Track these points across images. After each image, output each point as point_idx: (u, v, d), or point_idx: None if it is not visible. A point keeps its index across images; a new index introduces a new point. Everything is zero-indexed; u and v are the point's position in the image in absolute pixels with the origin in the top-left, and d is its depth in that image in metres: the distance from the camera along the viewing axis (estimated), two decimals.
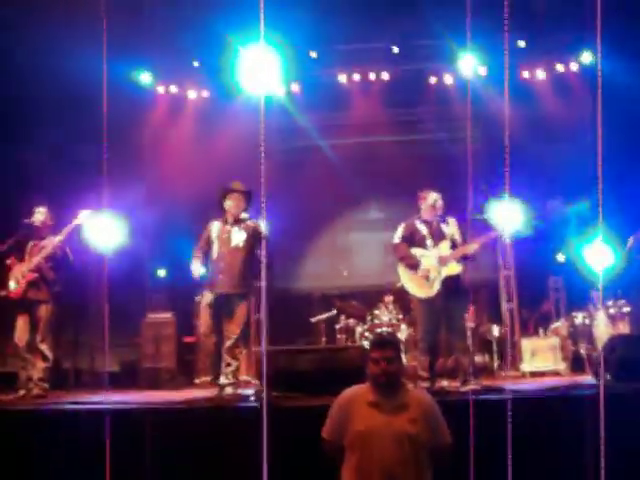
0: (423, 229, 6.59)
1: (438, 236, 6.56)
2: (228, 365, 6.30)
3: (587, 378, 7.00)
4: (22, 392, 6.69)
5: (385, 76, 10.99)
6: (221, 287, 6.39)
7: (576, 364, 8.42)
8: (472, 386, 6.06)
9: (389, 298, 9.39)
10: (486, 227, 6.59)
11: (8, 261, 6.93)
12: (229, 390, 6.25)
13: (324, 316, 9.66)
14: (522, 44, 10.25)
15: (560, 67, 10.64)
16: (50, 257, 6.85)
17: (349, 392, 3.79)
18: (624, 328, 7.82)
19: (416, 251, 6.54)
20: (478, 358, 8.75)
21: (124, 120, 9.24)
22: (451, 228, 6.61)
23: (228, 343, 6.32)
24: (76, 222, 6.86)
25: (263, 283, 4.93)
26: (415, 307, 6.73)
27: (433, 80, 10.99)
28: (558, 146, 10.02)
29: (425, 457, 3.57)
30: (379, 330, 8.87)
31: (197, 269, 6.48)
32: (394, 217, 8.29)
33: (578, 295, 8.85)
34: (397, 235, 6.68)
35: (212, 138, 10.48)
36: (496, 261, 10.47)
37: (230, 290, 6.38)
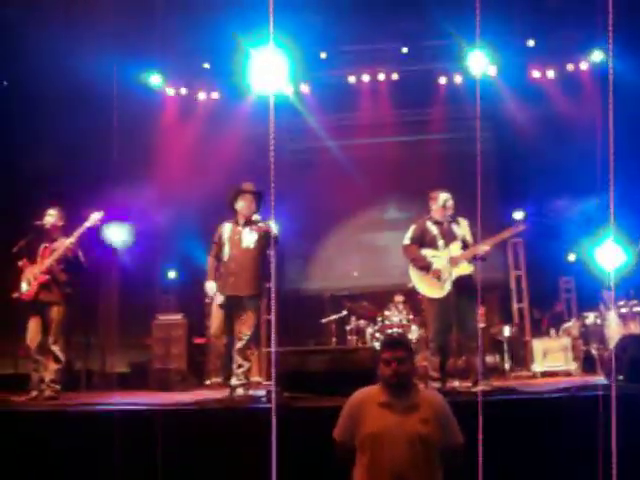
0: (434, 229, 6.57)
1: (449, 236, 6.54)
2: (240, 366, 6.27)
3: (598, 378, 6.97)
4: (34, 393, 6.70)
5: (394, 76, 11.00)
6: (232, 288, 6.38)
7: (587, 364, 8.40)
8: (483, 386, 6.05)
9: (399, 298, 9.39)
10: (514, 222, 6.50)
11: (20, 263, 6.94)
12: (240, 391, 6.22)
13: (335, 317, 9.66)
14: (531, 43, 10.23)
15: (570, 66, 10.59)
16: (62, 259, 6.86)
17: (360, 393, 3.78)
18: (635, 328, 7.78)
19: (427, 252, 6.52)
20: (489, 358, 8.74)
21: (135, 122, 9.31)
22: (462, 228, 6.59)
23: (239, 344, 6.29)
24: (87, 224, 6.87)
25: (273, 284, 4.92)
26: (426, 307, 6.70)
27: (442, 80, 11.00)
28: (568, 145, 9.98)
29: (436, 457, 3.56)
30: (390, 331, 8.87)
31: (212, 289, 6.48)
32: (407, 218, 8.27)
33: (589, 295, 8.82)
34: (407, 236, 6.66)
35: (222, 139, 10.49)
36: (507, 261, 10.48)
37: (241, 292, 6.36)
